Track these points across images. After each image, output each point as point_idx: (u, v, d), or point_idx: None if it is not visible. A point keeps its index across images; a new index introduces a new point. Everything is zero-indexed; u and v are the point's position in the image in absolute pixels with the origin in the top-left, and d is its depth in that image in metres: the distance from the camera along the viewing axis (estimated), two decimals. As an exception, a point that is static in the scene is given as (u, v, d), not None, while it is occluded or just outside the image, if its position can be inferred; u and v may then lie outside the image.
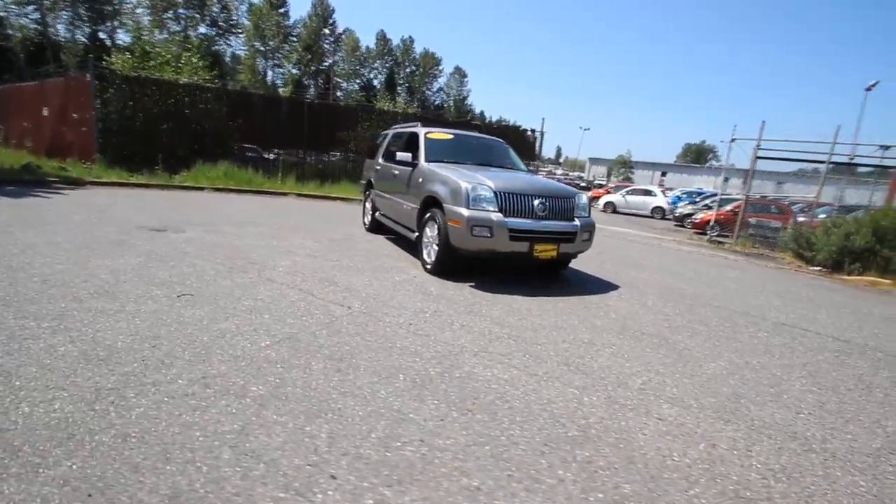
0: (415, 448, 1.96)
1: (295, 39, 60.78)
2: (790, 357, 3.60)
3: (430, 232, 5.11)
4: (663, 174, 55.58)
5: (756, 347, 3.74)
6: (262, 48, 59.15)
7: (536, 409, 2.38)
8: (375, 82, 71.54)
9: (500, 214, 4.57)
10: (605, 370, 2.96)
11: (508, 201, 4.66)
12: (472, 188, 4.62)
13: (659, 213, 20.97)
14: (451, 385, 2.55)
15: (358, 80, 69.64)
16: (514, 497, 1.73)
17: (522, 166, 6.45)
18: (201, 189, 11.59)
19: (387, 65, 72.18)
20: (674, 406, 2.58)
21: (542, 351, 3.17)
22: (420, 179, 5.48)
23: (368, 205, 7.72)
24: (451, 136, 6.16)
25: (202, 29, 49.32)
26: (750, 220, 12.23)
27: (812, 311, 5.27)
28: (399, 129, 7.22)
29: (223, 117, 13.17)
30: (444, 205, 4.78)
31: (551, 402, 2.47)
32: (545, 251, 4.72)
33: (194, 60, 13.91)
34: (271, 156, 15.37)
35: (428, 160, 5.65)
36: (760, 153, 11.75)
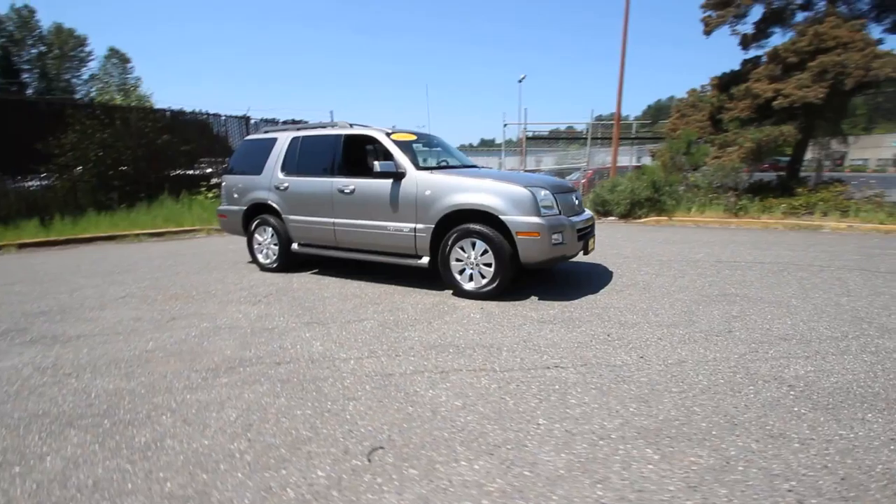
0: None
1: None
2: (785, 283, 4.83)
3: (468, 252, 4.31)
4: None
5: (762, 282, 4.87)
6: None
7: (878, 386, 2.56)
8: (-22, 66, 49.37)
9: (563, 216, 4.28)
10: (793, 330, 3.36)
11: (560, 202, 4.39)
12: (535, 192, 4.13)
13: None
14: (819, 398, 2.43)
15: (-57, 63, 46.46)
16: None
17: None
18: None
19: (-7, 42, 50.54)
20: (884, 337, 3.21)
21: (741, 337, 3.29)
22: (427, 192, 4.45)
23: (265, 237, 5.72)
24: (416, 136, 5.16)
25: None
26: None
27: (697, 248, 7.09)
28: (307, 134, 5.46)
29: None
30: (504, 217, 4.10)
31: (864, 378, 2.68)
32: (591, 244, 4.73)
33: None
34: None
35: (418, 168, 4.63)
36: (528, 134, 14.54)
